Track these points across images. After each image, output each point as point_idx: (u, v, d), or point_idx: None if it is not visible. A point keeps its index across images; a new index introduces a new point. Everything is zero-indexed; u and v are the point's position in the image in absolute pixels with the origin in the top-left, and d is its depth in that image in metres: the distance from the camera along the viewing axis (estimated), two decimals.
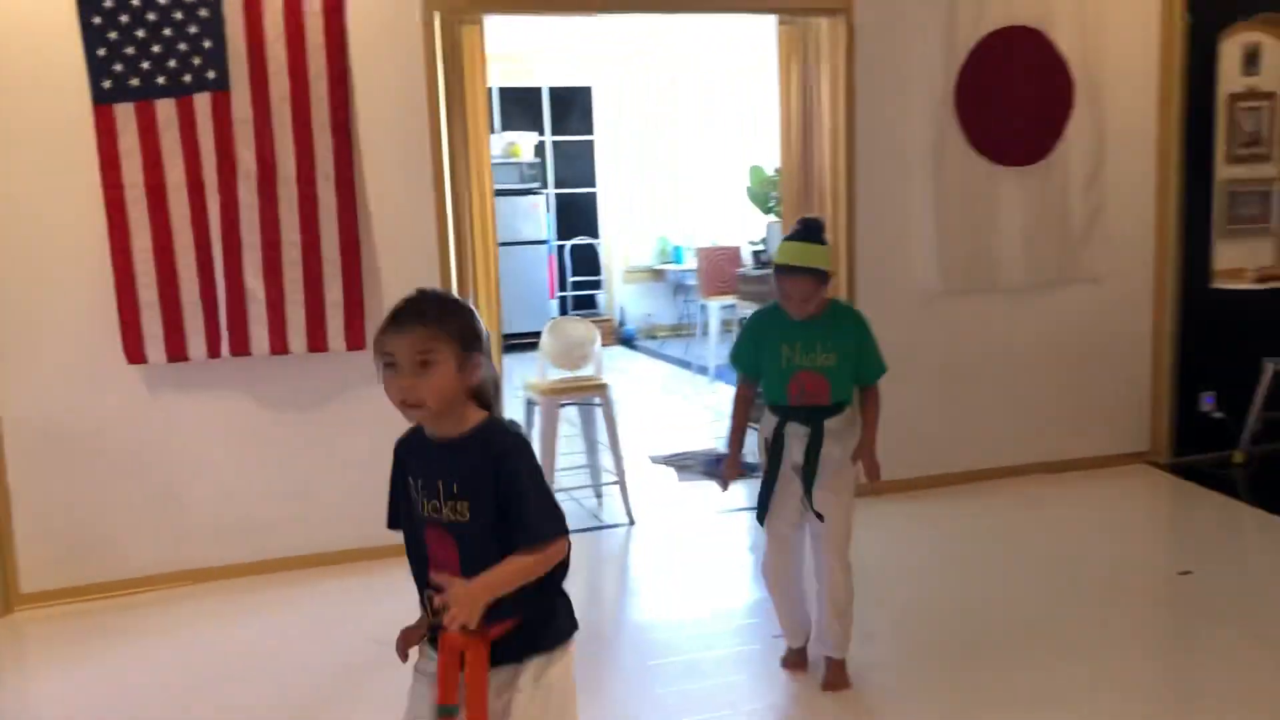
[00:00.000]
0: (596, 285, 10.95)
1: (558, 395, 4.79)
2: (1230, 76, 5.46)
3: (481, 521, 1.92)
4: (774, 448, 3.22)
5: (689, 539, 4.73)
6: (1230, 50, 5.44)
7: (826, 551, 3.23)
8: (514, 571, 1.90)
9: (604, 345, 5.25)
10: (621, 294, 11.04)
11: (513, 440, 1.98)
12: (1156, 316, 5.48)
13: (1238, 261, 5.60)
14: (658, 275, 11.08)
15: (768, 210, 6.93)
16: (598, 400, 4.85)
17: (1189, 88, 5.30)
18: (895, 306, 5.03)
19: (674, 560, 4.51)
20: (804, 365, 3.14)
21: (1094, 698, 3.14)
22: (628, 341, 10.71)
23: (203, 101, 3.99)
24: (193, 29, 3.96)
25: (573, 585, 2.08)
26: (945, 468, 5.23)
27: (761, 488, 3.25)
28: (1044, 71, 5.10)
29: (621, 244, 10.98)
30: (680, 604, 4.04)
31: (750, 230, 8.63)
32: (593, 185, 10.83)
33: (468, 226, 4.53)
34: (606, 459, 4.99)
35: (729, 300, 8.27)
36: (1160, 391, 5.52)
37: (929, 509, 4.95)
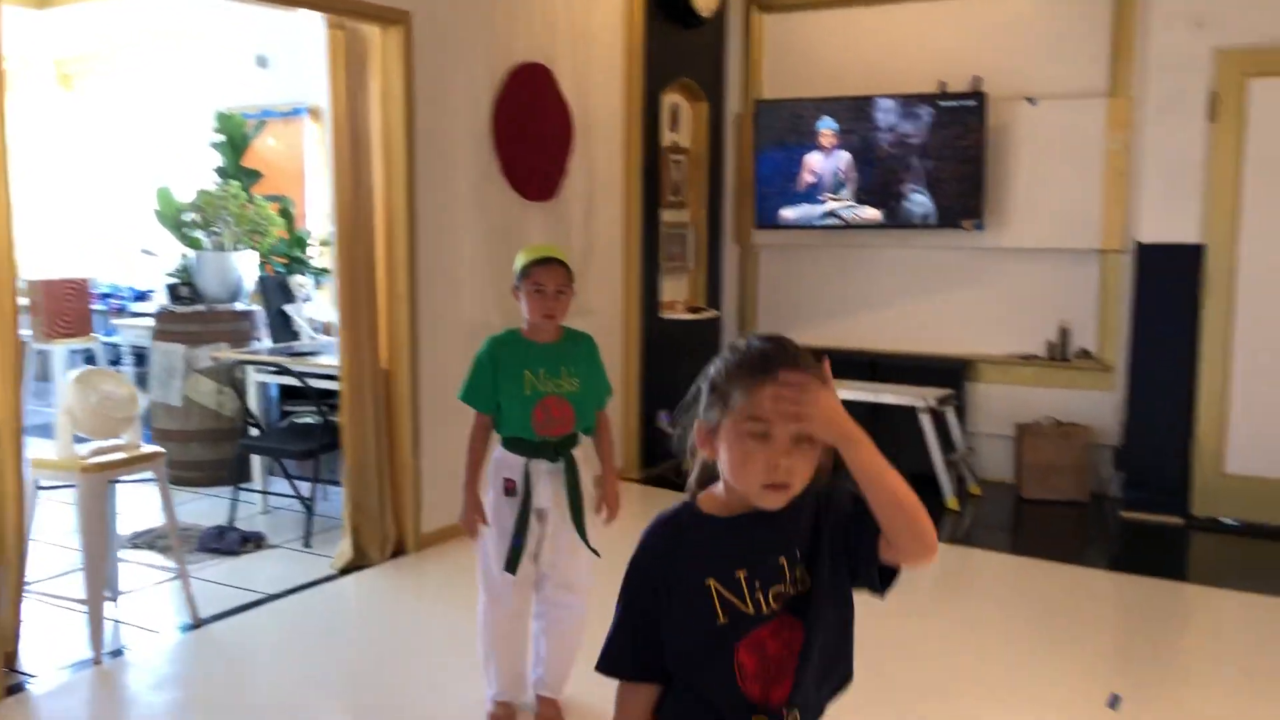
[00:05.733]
0: None
1: (107, 471, 3.60)
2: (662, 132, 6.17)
3: (827, 588, 1.51)
4: (525, 489, 3.03)
5: (259, 627, 3.94)
6: (662, 109, 6.16)
7: (574, 590, 3.14)
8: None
9: None
10: None
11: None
12: (626, 345, 5.96)
13: (670, 295, 6.34)
14: None
15: (183, 239, 5.93)
16: (152, 475, 3.77)
17: (645, 139, 5.89)
18: (453, 341, 4.76)
19: (286, 654, 3.72)
20: (549, 391, 3.02)
21: None
22: None
23: None
24: None
25: None
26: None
27: (515, 536, 3.03)
28: (553, 110, 5.26)
29: None
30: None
31: (92, 261, 7.30)
32: None
33: None
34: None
35: (80, 343, 6.86)
36: (630, 413, 6.01)
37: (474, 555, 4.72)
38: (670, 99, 6.22)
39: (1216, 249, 5.15)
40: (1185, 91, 5.12)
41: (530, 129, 5.09)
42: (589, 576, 3.14)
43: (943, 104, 5.79)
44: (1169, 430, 5.31)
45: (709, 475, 1.58)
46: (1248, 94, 5.03)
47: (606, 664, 1.57)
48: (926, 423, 5.48)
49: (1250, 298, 5.13)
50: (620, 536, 3.27)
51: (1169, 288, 5.25)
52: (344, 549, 4.53)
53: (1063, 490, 5.65)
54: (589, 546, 3.07)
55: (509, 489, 3.04)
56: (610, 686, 3.34)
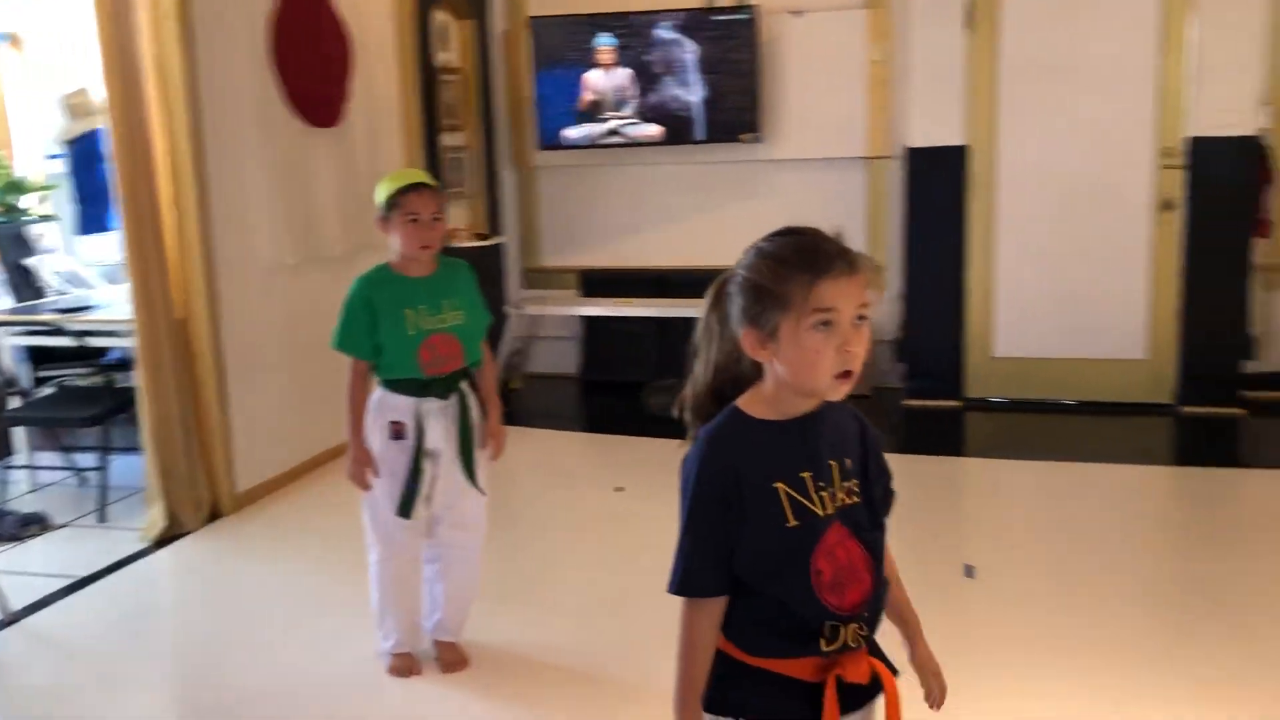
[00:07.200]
0: None
1: None
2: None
3: (869, 501, 1.57)
4: (416, 431, 2.88)
5: (85, 614, 3.57)
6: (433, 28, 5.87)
7: (472, 529, 3.05)
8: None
9: None
10: None
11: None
12: None
13: (453, 222, 6.12)
14: None
15: None
16: None
17: (419, 60, 5.61)
18: (251, 284, 4.45)
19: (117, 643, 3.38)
20: (434, 328, 2.87)
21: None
22: None
23: None
24: None
25: None
26: (305, 454, 4.78)
27: (409, 480, 2.89)
28: (329, 29, 4.90)
29: None
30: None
31: None
32: None
33: None
34: None
35: None
36: None
37: (300, 509, 4.48)
38: (439, 16, 5.94)
39: (978, 150, 5.56)
40: (944, 2, 5.43)
41: (310, 50, 4.73)
42: (482, 515, 3.04)
43: (715, 18, 5.86)
44: (943, 322, 5.73)
45: (723, 386, 1.58)
46: (999, 2, 5.41)
47: (684, 586, 1.52)
48: None
49: (1009, 193, 5.58)
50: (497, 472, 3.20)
51: (936, 189, 5.63)
52: (154, 518, 4.14)
53: None
54: (476, 487, 2.96)
55: (397, 432, 2.88)
56: (509, 622, 3.28)
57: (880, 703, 1.57)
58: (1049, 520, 4.20)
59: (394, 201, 2.82)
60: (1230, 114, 5.15)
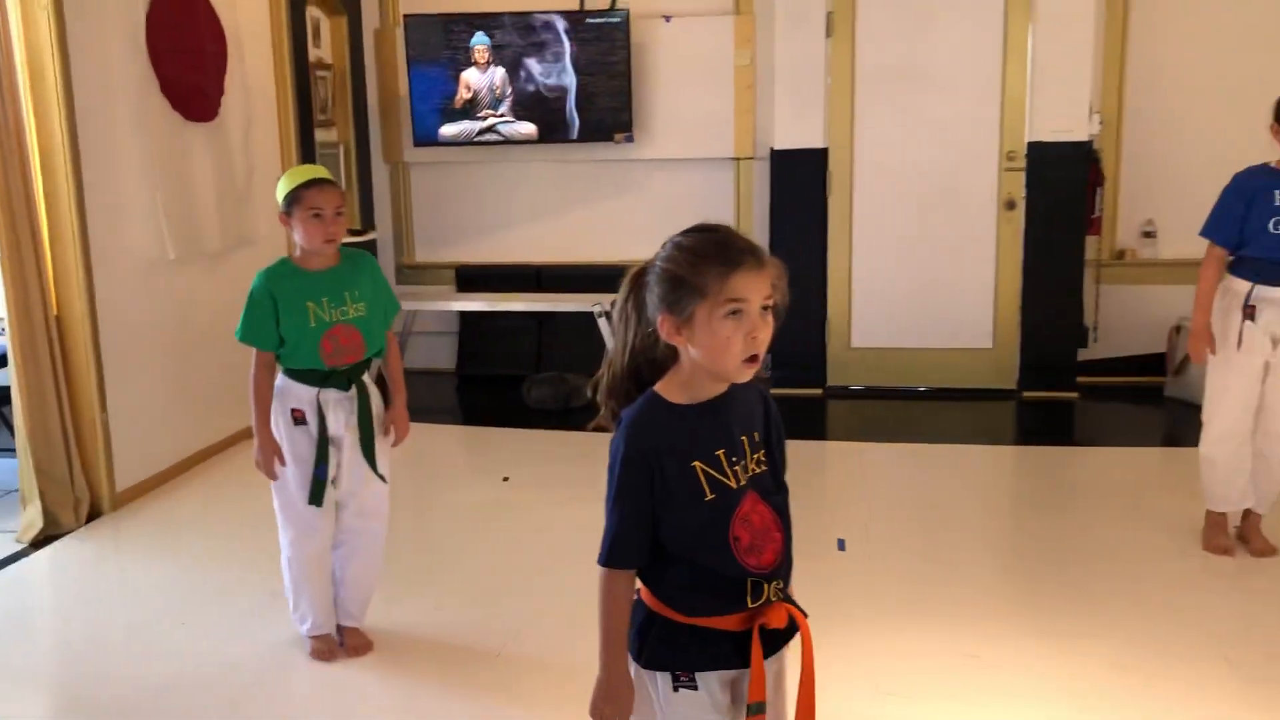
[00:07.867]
0: None
1: None
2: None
3: (774, 469, 1.78)
4: (320, 420, 2.97)
5: None
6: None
7: (375, 517, 3.14)
8: None
9: None
10: None
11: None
12: None
13: None
14: None
15: None
16: None
17: (294, 55, 5.60)
18: (129, 279, 4.42)
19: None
20: (336, 320, 2.96)
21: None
22: None
23: None
24: None
25: None
26: (187, 450, 4.74)
27: (316, 467, 2.98)
28: (205, 21, 4.87)
29: None
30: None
31: None
32: None
33: None
34: None
35: None
36: None
37: (184, 505, 4.45)
38: (311, 12, 5.93)
39: (837, 151, 5.88)
40: (806, 10, 5.73)
41: (186, 42, 4.69)
42: (385, 502, 3.13)
43: (590, 20, 6.02)
44: (806, 314, 6.04)
45: (640, 368, 1.74)
46: (857, 12, 5.74)
47: (611, 558, 1.69)
48: (604, 325, 5.81)
49: (865, 193, 5.92)
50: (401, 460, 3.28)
51: (799, 189, 5.92)
52: (31, 519, 4.07)
53: None
54: (378, 474, 3.05)
55: (298, 418, 2.95)
56: (409, 608, 3.37)
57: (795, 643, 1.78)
58: (907, 496, 4.53)
59: (295, 197, 2.89)
60: (1065, 121, 5.60)
